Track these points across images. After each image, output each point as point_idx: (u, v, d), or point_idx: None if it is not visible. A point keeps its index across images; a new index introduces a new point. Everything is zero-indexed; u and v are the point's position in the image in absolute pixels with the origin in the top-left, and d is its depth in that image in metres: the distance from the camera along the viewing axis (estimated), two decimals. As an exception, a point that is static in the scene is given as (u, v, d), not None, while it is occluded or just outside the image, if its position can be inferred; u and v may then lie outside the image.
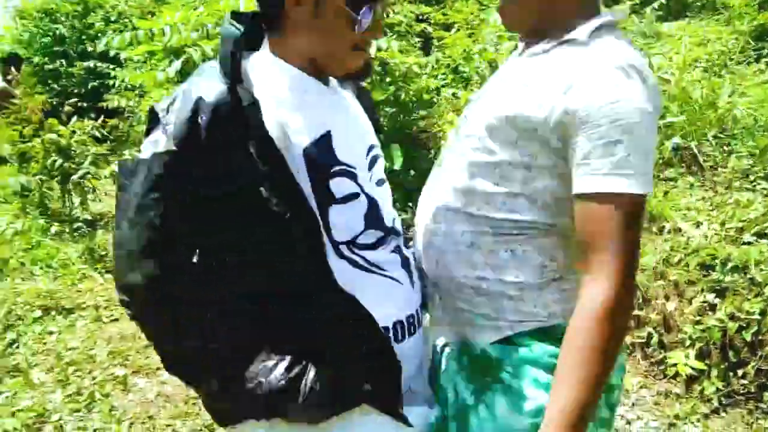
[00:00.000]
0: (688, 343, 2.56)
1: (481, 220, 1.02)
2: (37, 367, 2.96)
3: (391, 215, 1.08)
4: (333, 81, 1.09)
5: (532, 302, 1.02)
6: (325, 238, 0.97)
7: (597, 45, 0.96)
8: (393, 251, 1.06)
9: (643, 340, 2.71)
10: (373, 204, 1.03)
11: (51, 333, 3.27)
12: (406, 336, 1.05)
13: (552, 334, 1.01)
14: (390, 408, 1.00)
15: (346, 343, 0.97)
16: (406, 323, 1.04)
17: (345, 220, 1.00)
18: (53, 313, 3.46)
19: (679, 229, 2.89)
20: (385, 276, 1.03)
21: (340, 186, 0.99)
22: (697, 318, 2.55)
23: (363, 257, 1.01)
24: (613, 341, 0.90)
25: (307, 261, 0.95)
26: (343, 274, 0.97)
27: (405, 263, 1.08)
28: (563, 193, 0.97)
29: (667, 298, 2.72)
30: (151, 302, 0.96)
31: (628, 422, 2.45)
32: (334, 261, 0.97)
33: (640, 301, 2.76)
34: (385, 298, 1.02)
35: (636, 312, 2.76)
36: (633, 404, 2.54)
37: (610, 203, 0.90)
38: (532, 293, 1.02)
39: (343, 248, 1.00)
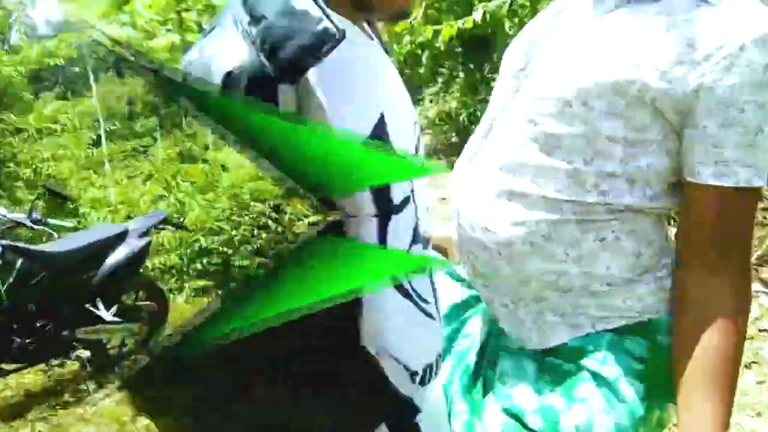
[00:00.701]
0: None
1: (561, 205, 0.88)
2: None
3: (423, 219, 0.86)
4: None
5: (623, 296, 0.90)
6: None
7: (727, 3, 0.81)
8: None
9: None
10: (417, 208, 0.81)
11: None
12: (433, 377, 0.88)
13: (640, 331, 0.90)
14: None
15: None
16: (435, 364, 0.87)
17: (399, 235, 0.79)
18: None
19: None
20: (425, 312, 0.83)
21: (397, 188, 0.77)
22: None
23: (410, 285, 0.81)
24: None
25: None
26: (393, 305, 0.78)
27: (433, 288, 0.87)
28: (669, 171, 0.86)
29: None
30: None
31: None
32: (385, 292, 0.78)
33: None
34: (423, 340, 0.85)
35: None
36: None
37: (743, 197, 0.82)
38: (624, 287, 0.90)
39: None
